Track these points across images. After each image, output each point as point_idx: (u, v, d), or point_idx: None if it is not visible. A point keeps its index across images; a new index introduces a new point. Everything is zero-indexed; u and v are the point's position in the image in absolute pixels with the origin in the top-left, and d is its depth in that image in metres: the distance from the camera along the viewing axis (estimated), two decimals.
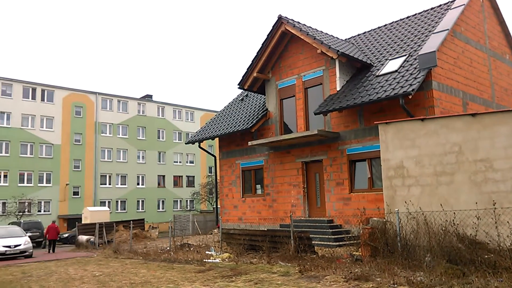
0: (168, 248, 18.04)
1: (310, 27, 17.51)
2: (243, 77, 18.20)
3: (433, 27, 15.96)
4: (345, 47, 16.70)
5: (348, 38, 20.22)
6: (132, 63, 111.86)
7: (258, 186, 18.67)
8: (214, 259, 13.63)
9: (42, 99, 43.73)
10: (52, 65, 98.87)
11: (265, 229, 14.94)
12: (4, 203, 39.47)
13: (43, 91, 43.98)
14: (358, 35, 20.12)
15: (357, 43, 18.89)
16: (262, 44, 17.63)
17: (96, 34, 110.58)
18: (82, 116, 46.04)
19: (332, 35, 18.10)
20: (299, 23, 17.08)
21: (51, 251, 23.29)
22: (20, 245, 20.08)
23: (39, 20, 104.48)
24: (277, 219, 16.82)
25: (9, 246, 19.68)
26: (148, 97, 53.12)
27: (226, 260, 13.36)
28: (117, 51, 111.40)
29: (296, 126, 17.08)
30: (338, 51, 15.02)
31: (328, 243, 13.91)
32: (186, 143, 23.05)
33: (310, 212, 16.47)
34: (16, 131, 41.44)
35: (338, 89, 15.55)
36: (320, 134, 15.12)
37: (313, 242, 12.76)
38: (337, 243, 13.81)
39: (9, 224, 30.96)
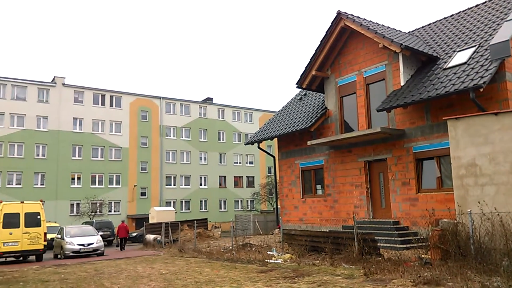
0: (230, 247, 18.27)
1: (370, 21, 16.95)
2: (301, 76, 18.01)
3: (505, 14, 14.81)
4: (409, 40, 15.97)
5: (412, 31, 19.33)
6: (194, 67, 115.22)
7: (319, 187, 18.37)
8: (276, 260, 13.58)
9: (111, 105, 46.28)
10: (119, 72, 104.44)
11: (327, 230, 14.67)
12: (78, 204, 42.23)
13: (111, 97, 46.55)
14: (423, 27, 19.18)
15: (422, 36, 18.00)
16: (321, 41, 17.34)
17: (159, 40, 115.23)
18: (147, 120, 48.15)
19: (394, 29, 17.40)
20: (359, 17, 16.59)
21: (123, 248, 24.67)
22: (93, 243, 21.27)
23: (108, 30, 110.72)
24: (339, 220, 16.45)
25: (83, 245, 20.93)
26: (208, 100, 54.40)
27: (288, 261, 13.26)
28: (180, 56, 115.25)
29: (358, 124, 16.60)
30: (402, 44, 14.40)
31: (394, 245, 13.35)
32: (245, 144, 23.26)
33: (374, 213, 15.92)
34: (88, 136, 44.18)
35: (402, 84, 14.91)
36: (384, 132, 14.57)
37: (378, 244, 12.31)
38: (404, 246, 13.22)
39: (82, 223, 33.02)
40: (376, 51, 16.00)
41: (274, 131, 20.00)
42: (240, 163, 54.05)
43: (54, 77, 43.76)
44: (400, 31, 17.59)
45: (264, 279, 10.23)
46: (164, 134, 48.94)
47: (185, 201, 49.12)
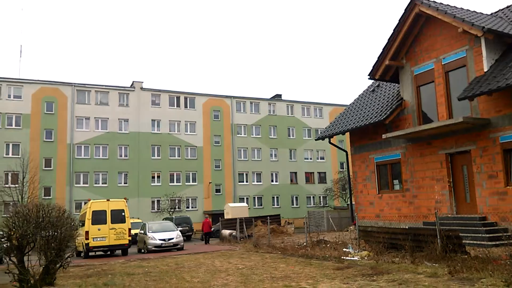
0: (304, 243, 18.20)
1: (447, 5, 15.89)
2: (373, 66, 17.37)
3: None
4: (492, 22, 14.73)
5: (495, 12, 17.82)
6: (262, 65, 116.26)
7: (396, 181, 17.62)
8: (353, 257, 13.28)
9: (185, 106, 48.20)
10: (192, 73, 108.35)
11: (406, 227, 14.01)
12: (158, 201, 44.56)
13: (185, 98, 48.47)
14: (507, 7, 17.60)
15: (507, 17, 16.52)
16: (394, 30, 16.59)
17: (228, 40, 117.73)
18: (219, 119, 49.47)
19: (474, 11, 16.16)
20: (434, 2, 15.62)
21: (207, 242, 26.08)
22: (173, 238, 22.28)
23: (179, 34, 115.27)
24: (419, 217, 15.65)
25: (164, 239, 22.00)
26: (277, 97, 54.56)
27: (365, 258, 12.90)
28: (248, 54, 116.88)
29: (437, 115, 15.66)
30: (484, 27, 13.32)
31: (482, 242, 12.42)
32: (316, 140, 22.93)
33: (458, 208, 14.95)
34: (165, 136, 46.41)
35: (485, 70, 13.81)
36: (467, 122, 13.61)
37: (463, 241, 11.55)
38: (493, 243, 12.25)
39: (163, 219, 34.72)
40: (455, 36, 14.98)
41: (345, 125, 19.51)
42: (311, 159, 53.60)
43: (133, 81, 46.47)
44: (481, 13, 16.30)
45: (341, 276, 10.04)
46: (235, 132, 49.97)
47: (257, 197, 49.79)
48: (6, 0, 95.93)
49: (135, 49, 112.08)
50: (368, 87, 22.43)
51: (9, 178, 38.50)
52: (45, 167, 40.83)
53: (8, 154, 39.69)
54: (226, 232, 26.98)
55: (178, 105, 47.87)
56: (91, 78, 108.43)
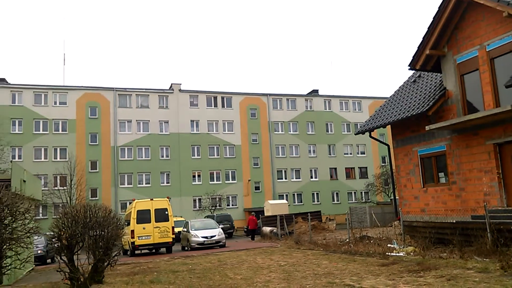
0: (347, 240, 17.93)
1: None
2: (413, 56, 16.80)
3: None
4: None
5: None
6: (297, 60, 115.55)
7: (441, 174, 16.98)
8: (398, 253, 12.95)
9: (223, 106, 48.71)
10: (227, 73, 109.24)
11: (454, 221, 13.50)
12: (199, 199, 45.32)
13: (222, 98, 48.98)
14: None
15: None
16: (434, 18, 15.98)
17: (262, 38, 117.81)
18: (256, 117, 49.62)
19: None
20: None
21: (253, 239, 26.51)
22: (215, 236, 22.56)
23: (213, 35, 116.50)
24: (467, 210, 15.01)
25: (206, 237, 22.31)
26: (314, 92, 54.05)
27: (411, 254, 12.54)
28: (283, 50, 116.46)
29: (483, 104, 14.95)
30: None
31: None
32: (355, 134, 22.48)
33: (508, 200, 14.22)
34: (204, 136, 47.10)
35: None
36: None
37: None
38: None
39: (204, 217, 35.28)
40: (500, 21, 14.23)
41: (386, 118, 19.00)
42: (351, 154, 52.73)
43: (172, 84, 47.46)
44: None
45: (386, 273, 9.81)
46: (272, 129, 49.95)
47: (297, 194, 49.56)
48: (49, 12, 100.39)
49: (172, 52, 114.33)
50: (409, 78, 21.75)
51: (58, 181, 40.34)
52: (91, 169, 42.48)
53: (56, 158, 41.58)
54: (266, 229, 27.04)
55: (215, 105, 48.44)
56: (131, 82, 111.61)
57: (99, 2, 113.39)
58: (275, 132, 50.05)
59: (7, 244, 8.39)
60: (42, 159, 41.37)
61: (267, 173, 48.77)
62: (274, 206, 34.81)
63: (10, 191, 9.39)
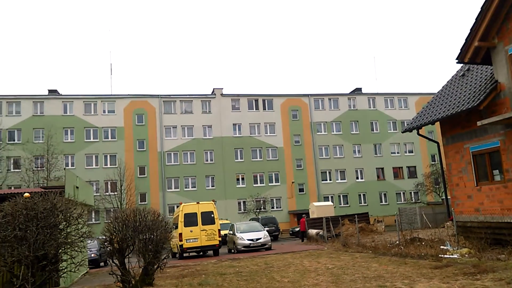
0: (397, 242, 17.39)
1: None
2: (461, 49, 16.05)
3: None
4: None
5: None
6: (339, 58, 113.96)
7: (496, 172, 16.08)
8: (451, 255, 12.39)
9: (264, 108, 48.83)
10: (267, 75, 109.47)
11: (511, 221, 12.74)
12: (244, 202, 45.61)
13: (263, 101, 49.11)
14: None
15: None
16: (482, 8, 15.21)
17: (300, 39, 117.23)
18: (298, 119, 49.32)
19: None
20: None
21: (303, 240, 26.66)
22: (260, 238, 22.56)
23: (251, 38, 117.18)
24: None
25: (252, 240, 22.36)
26: (357, 91, 53.05)
27: (466, 255, 11.96)
28: (322, 51, 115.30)
29: None
30: None
31: None
32: (402, 132, 21.77)
33: None
34: (247, 139, 47.42)
35: None
36: None
37: None
38: None
39: (249, 220, 35.41)
40: None
41: (434, 115, 18.26)
42: (398, 153, 51.21)
43: (214, 89, 48.19)
44: None
45: (439, 276, 9.39)
46: (315, 130, 49.46)
47: (342, 195, 48.73)
48: (95, 24, 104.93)
49: (213, 57, 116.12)
50: (457, 72, 20.83)
51: (109, 186, 41.94)
52: (139, 174, 43.88)
53: (107, 165, 43.28)
54: (313, 231, 26.76)
55: (257, 108, 48.66)
56: (175, 89, 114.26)
57: (141, 13, 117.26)
58: (317, 133, 49.52)
59: (63, 248, 8.78)
60: (93, 166, 43.21)
61: (311, 174, 48.32)
62: (319, 208, 34.37)
63: (64, 197, 9.83)
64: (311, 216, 33.62)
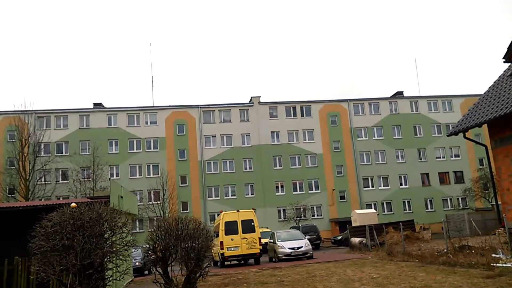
0: (445, 250, 16.67)
1: None
2: (508, 48, 15.26)
3: None
4: None
5: None
6: (377, 61, 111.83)
7: None
8: (504, 263, 11.71)
9: (302, 115, 48.58)
10: (304, 82, 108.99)
11: None
12: (284, 210, 45.34)
13: (301, 107, 48.88)
14: None
15: None
16: None
17: (337, 44, 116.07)
18: (337, 124, 48.67)
19: None
20: None
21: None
22: (302, 247, 22.26)
23: (288, 45, 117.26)
24: None
25: (293, 248, 22.10)
26: (398, 94, 51.78)
27: None
28: (361, 53, 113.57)
29: None
30: None
31: None
32: (448, 136, 20.84)
33: None
34: (285, 146, 47.27)
35: None
36: None
37: None
38: None
39: (290, 228, 35.11)
40: None
41: (482, 117, 17.42)
42: (443, 157, 49.34)
43: (251, 97, 48.51)
44: None
45: (492, 286, 8.90)
46: (355, 136, 48.59)
47: (385, 202, 47.44)
48: (137, 38, 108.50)
49: (250, 65, 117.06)
50: (504, 71, 19.82)
51: (152, 195, 42.96)
52: (181, 184, 44.69)
53: (150, 175, 44.42)
54: (355, 240, 26.14)
55: (294, 115, 48.49)
56: (213, 98, 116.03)
57: (180, 26, 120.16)
58: (358, 139, 48.62)
59: (108, 257, 8.98)
60: (137, 176, 44.45)
61: (352, 181, 47.40)
62: (361, 216, 33.60)
63: (109, 207, 10.09)
64: (353, 224, 32.92)
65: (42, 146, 42.37)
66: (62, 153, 43.85)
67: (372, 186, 47.69)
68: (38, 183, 39.95)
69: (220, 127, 46.87)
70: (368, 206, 45.83)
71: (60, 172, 43.30)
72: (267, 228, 36.23)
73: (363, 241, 25.14)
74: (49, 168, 41.54)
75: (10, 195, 39.77)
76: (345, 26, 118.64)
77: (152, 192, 42.89)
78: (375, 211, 37.43)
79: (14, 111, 41.17)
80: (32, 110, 42.77)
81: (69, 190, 40.39)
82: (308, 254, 22.16)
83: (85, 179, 41.16)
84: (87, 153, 43.17)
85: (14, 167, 39.74)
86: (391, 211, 46.76)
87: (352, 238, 26.90)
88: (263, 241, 23.74)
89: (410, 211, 46.60)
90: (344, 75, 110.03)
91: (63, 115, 45.24)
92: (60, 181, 42.64)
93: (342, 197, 46.87)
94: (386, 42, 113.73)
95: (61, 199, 36.96)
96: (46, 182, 41.41)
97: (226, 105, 47.97)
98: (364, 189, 47.42)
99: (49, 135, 42.83)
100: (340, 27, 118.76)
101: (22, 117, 40.67)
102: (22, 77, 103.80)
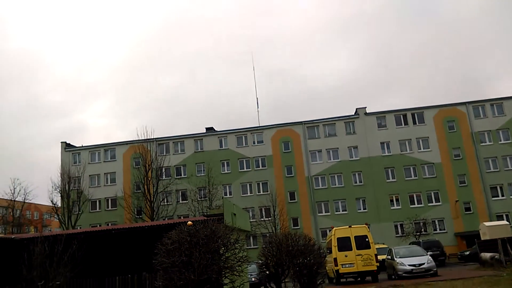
0: None
1: None
2: None
3: None
4: None
5: None
6: (498, 59, 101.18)
7: None
8: None
9: (414, 123, 45.77)
10: (415, 87, 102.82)
11: None
12: (401, 225, 42.66)
13: (413, 115, 46.11)
14: None
15: None
16: None
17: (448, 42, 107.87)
18: (455, 130, 44.85)
19: None
20: None
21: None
22: (424, 263, 20.65)
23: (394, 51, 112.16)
24: None
25: (414, 265, 20.61)
26: None
27: None
28: (473, 51, 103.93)
29: None
30: None
31: None
32: None
33: None
34: (397, 157, 44.79)
35: None
36: None
37: None
38: None
39: (409, 244, 32.88)
40: None
41: None
42: None
43: (356, 109, 47.26)
44: None
45: None
46: (477, 141, 44.16)
47: None
48: (240, 66, 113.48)
49: (353, 77, 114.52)
50: None
51: (263, 212, 43.93)
52: (290, 200, 45.02)
53: (260, 192, 45.61)
54: (486, 255, 23.44)
55: (405, 123, 45.92)
56: (318, 115, 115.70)
57: (276, 45, 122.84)
58: (481, 144, 44.08)
59: (223, 272, 9.29)
60: (248, 194, 45.96)
61: (478, 191, 42.89)
62: (492, 228, 30.05)
63: (222, 224, 10.48)
64: (482, 238, 29.64)
65: (163, 170, 46.25)
66: (180, 175, 47.39)
67: (502, 195, 42.64)
68: (161, 204, 43.75)
69: (325, 141, 46.34)
70: (499, 217, 40.90)
71: (180, 193, 46.80)
72: (383, 244, 34.39)
73: (496, 256, 22.45)
74: (170, 190, 45.15)
75: (138, 216, 44.04)
76: (455, 23, 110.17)
77: (263, 209, 43.87)
78: (508, 223, 33.16)
79: (138, 140, 45.67)
80: (153, 138, 47.12)
81: (188, 210, 43.35)
82: (432, 271, 20.48)
83: (202, 199, 43.86)
84: (203, 174, 46.13)
85: (140, 191, 43.98)
86: None
87: (482, 253, 24.19)
88: (380, 257, 22.58)
89: None
90: (458, 77, 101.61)
91: (179, 140, 49.07)
92: (180, 201, 46.09)
93: (467, 209, 42.63)
94: (505, 35, 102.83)
95: (181, 218, 39.69)
96: (168, 203, 45.18)
97: (330, 119, 47.34)
98: (493, 198, 42.59)
99: (169, 160, 46.62)
100: (450, 24, 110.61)
101: (145, 145, 44.93)
102: (140, 106, 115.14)
